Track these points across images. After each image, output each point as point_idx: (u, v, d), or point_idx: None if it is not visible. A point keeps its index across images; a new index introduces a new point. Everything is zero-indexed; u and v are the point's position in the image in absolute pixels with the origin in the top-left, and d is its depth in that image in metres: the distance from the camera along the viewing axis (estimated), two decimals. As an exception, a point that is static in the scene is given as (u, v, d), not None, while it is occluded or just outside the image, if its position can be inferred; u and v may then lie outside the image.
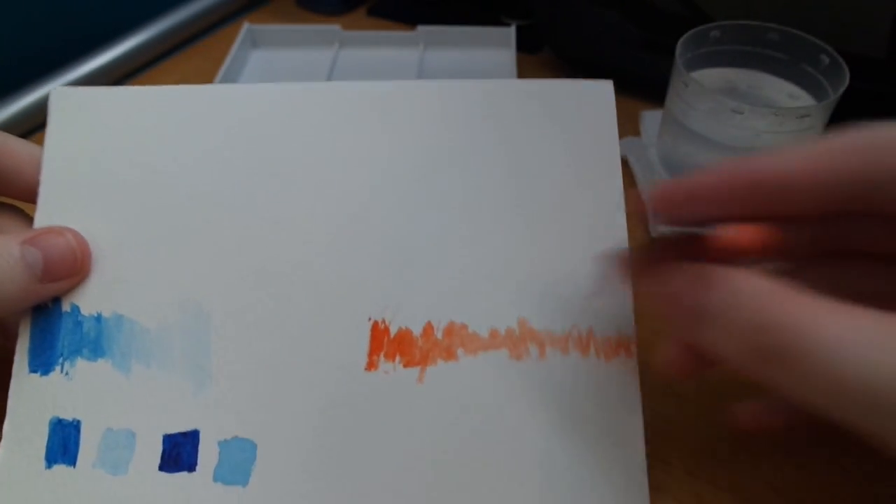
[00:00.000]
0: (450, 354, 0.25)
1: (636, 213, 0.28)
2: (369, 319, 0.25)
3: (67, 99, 0.27)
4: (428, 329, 0.25)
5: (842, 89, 0.33)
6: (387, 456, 0.24)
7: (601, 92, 0.28)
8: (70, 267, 0.25)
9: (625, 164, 0.42)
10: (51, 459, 0.24)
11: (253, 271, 0.26)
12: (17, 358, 0.25)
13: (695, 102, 0.35)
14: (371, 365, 0.25)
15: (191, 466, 0.24)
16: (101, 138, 0.27)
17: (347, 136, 0.27)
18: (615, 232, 0.26)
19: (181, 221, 0.26)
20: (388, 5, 0.59)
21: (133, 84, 0.52)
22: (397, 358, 0.25)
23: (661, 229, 0.37)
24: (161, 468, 0.24)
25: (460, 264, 0.26)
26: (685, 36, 0.36)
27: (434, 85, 0.28)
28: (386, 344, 0.25)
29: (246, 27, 0.52)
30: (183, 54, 0.55)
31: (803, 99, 0.36)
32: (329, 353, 0.25)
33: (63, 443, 0.24)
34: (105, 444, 0.24)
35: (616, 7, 0.45)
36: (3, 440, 0.24)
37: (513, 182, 0.27)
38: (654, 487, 0.26)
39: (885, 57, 0.38)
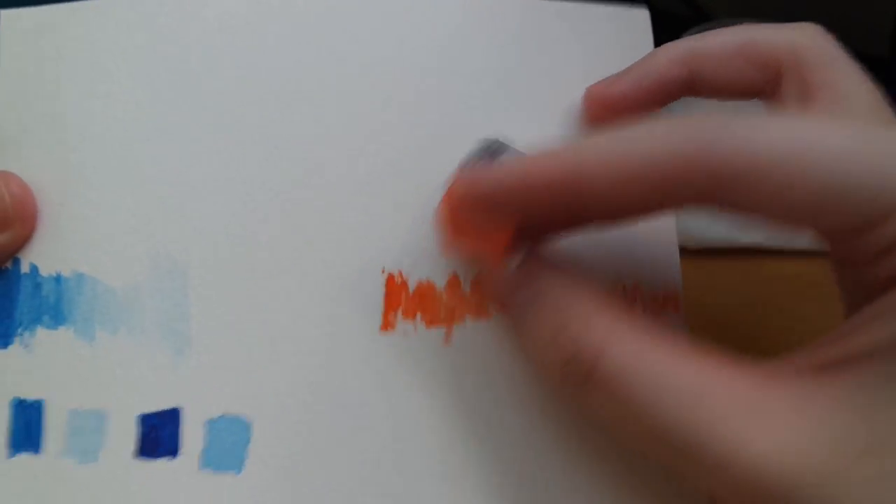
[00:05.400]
0: (480, 311, 0.21)
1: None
2: (383, 271, 0.21)
3: (21, 22, 0.23)
4: (453, 282, 0.21)
5: (844, 89, 0.33)
6: (409, 430, 0.21)
7: (637, 19, 0.25)
8: (7, 219, 0.21)
9: (625, 163, 0.42)
10: (15, 446, 0.21)
11: (237, 216, 0.22)
12: None
13: (695, 102, 0.35)
14: (387, 325, 0.21)
15: (172, 451, 0.20)
16: (58, 65, 0.23)
17: (349, 50, 0.23)
18: None
19: (151, 159, 0.22)
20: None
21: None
22: (418, 316, 0.21)
23: None
24: (138, 454, 0.20)
25: None
26: (685, 35, 0.36)
27: None
28: (404, 300, 0.21)
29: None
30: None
31: (805, 98, 0.36)
32: (335, 312, 0.21)
33: (26, 427, 0.21)
34: (72, 428, 0.21)
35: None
36: None
37: (547, 116, 0.23)
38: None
39: (887, 55, 0.38)
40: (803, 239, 0.36)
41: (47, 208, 0.22)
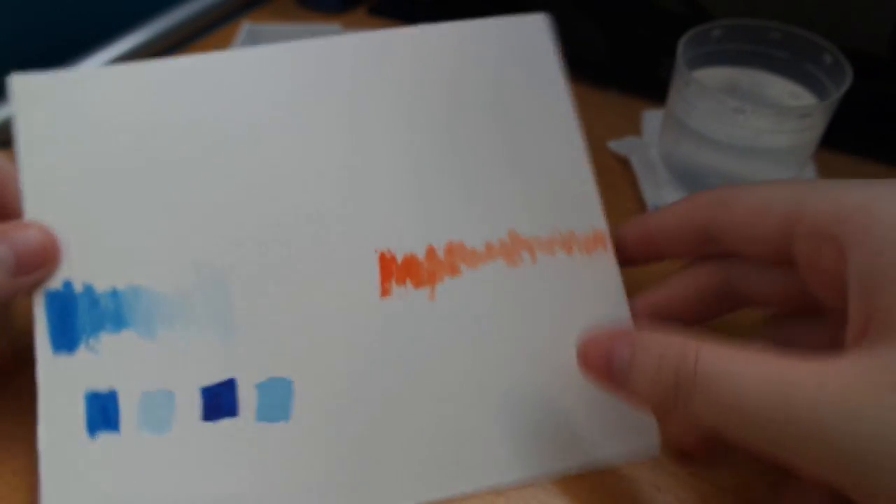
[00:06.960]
0: (454, 270, 0.27)
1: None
2: (376, 251, 0.27)
3: (30, 86, 0.28)
4: (430, 252, 0.28)
5: (844, 88, 0.33)
6: (412, 371, 0.26)
7: (536, 25, 0.32)
8: (40, 259, 0.25)
9: (626, 164, 0.42)
10: (93, 429, 0.25)
11: (259, 224, 0.27)
12: (38, 341, 0.25)
13: (696, 102, 0.35)
14: (385, 292, 0.27)
15: (232, 412, 0.25)
16: (77, 118, 0.27)
17: (326, 93, 0.29)
18: (571, 140, 0.30)
19: (181, 187, 0.27)
20: (388, 4, 0.59)
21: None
22: (408, 282, 0.27)
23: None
24: (204, 418, 0.25)
25: (448, 193, 0.29)
26: (687, 35, 0.36)
27: (397, 35, 0.32)
28: (395, 271, 0.27)
29: (246, 26, 0.52)
30: (183, 53, 0.55)
31: (805, 98, 0.36)
32: (344, 288, 0.27)
33: (103, 412, 0.25)
34: (144, 407, 0.25)
35: (617, 6, 0.45)
36: (40, 420, 0.24)
37: (478, 117, 0.30)
38: (656, 487, 0.26)
39: (888, 55, 0.38)
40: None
41: (101, 236, 0.26)
